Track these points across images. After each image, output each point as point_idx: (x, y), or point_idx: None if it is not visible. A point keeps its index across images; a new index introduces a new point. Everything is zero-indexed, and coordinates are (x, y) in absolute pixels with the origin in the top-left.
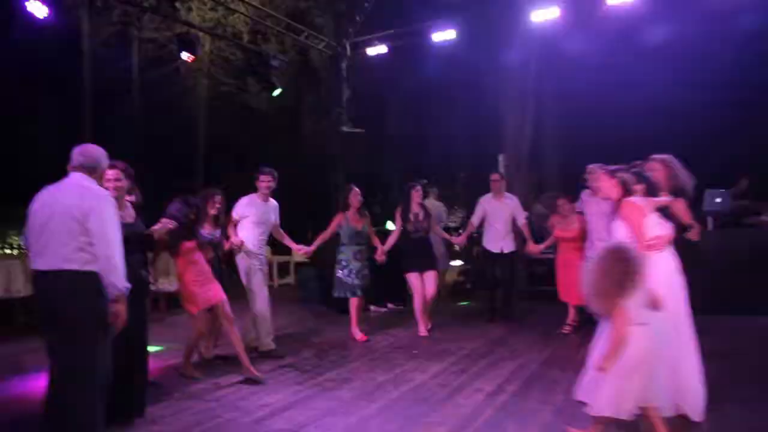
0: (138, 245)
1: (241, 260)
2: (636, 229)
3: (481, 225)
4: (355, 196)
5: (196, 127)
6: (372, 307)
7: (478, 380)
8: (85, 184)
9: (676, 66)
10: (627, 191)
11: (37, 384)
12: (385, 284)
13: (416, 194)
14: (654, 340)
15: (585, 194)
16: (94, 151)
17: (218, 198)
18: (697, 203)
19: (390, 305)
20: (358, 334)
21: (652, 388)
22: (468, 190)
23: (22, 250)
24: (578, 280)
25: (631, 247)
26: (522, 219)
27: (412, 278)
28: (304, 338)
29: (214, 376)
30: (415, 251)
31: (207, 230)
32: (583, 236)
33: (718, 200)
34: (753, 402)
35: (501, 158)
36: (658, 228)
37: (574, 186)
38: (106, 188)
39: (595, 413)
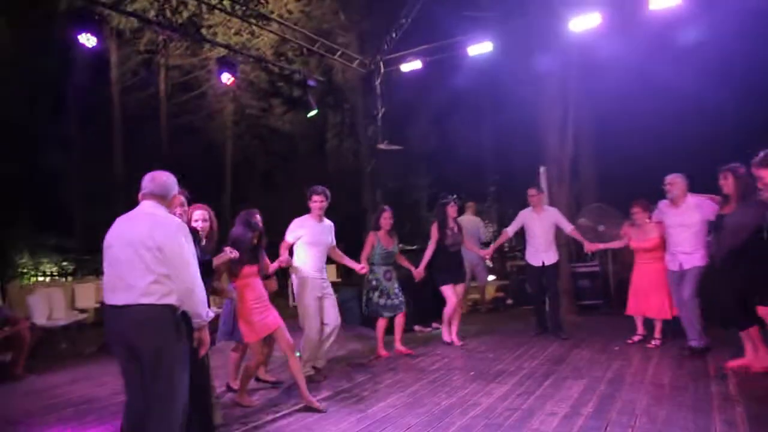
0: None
1: (295, 281)
2: None
3: (521, 239)
4: (386, 218)
5: (222, 149)
6: (416, 327)
7: (548, 402)
8: (158, 213)
9: (712, 67)
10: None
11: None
12: (430, 304)
13: (452, 209)
14: None
15: (663, 204)
16: (164, 178)
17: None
18: None
19: (435, 324)
20: (383, 351)
21: None
22: (499, 204)
23: (55, 277)
24: (657, 293)
25: None
26: (569, 227)
27: (449, 290)
28: (351, 361)
29: (271, 403)
30: (452, 264)
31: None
32: (662, 246)
33: None
34: None
35: (542, 171)
36: None
37: (614, 197)
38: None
39: None
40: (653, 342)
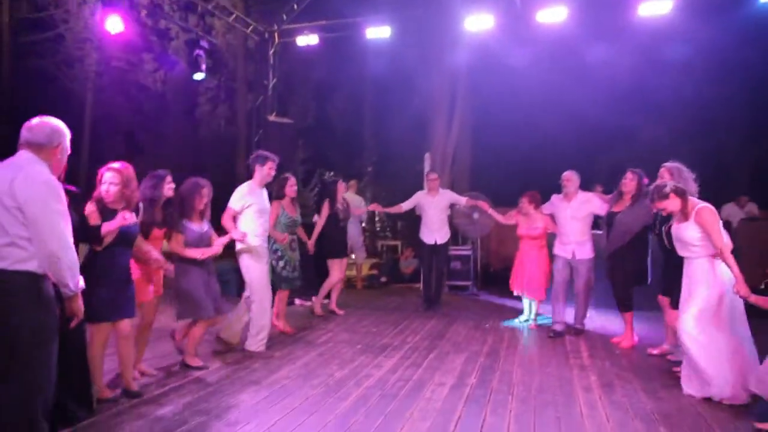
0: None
1: (245, 255)
2: (717, 234)
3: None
4: (291, 185)
5: (81, 102)
6: (297, 301)
7: (436, 374)
8: (26, 166)
9: (599, 84)
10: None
11: None
12: (312, 277)
13: (341, 186)
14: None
15: (556, 198)
16: (45, 125)
17: (206, 190)
18: None
19: (314, 298)
20: (288, 327)
21: None
22: (374, 186)
23: None
24: (537, 276)
25: None
26: (463, 200)
27: (335, 264)
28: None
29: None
30: (340, 239)
31: (196, 225)
32: (545, 236)
33: None
34: None
35: (427, 156)
36: (725, 235)
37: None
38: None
39: None
40: (531, 323)
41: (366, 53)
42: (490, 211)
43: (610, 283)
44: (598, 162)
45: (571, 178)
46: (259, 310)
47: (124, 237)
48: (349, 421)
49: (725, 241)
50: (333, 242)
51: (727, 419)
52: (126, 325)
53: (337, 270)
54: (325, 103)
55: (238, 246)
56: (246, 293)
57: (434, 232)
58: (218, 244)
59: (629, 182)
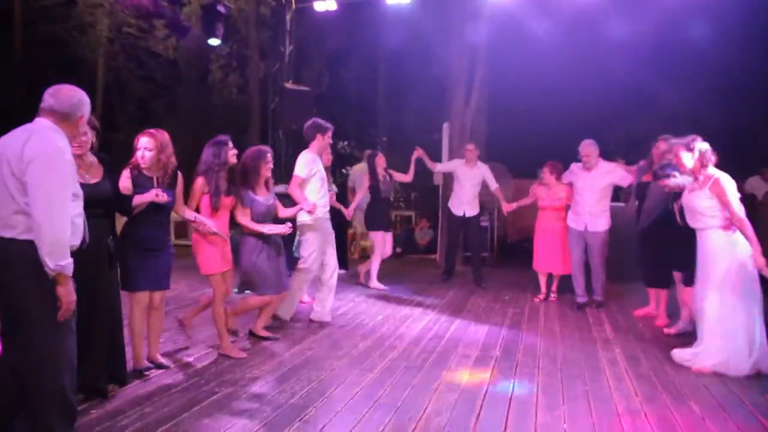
0: (103, 208)
1: (307, 228)
2: (736, 204)
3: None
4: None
5: (93, 69)
6: None
7: (459, 346)
8: (40, 132)
9: (620, 53)
10: (704, 166)
11: None
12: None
13: (380, 160)
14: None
15: (576, 166)
16: (71, 93)
17: (270, 156)
18: None
19: (361, 270)
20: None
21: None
22: (389, 155)
23: None
24: (562, 250)
25: None
26: (494, 185)
27: (379, 236)
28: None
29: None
30: (383, 211)
31: (262, 197)
32: (566, 207)
33: None
34: None
35: (445, 126)
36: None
37: (499, 156)
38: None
39: None
40: (551, 296)
41: (384, 20)
42: (514, 205)
43: (643, 258)
44: (616, 131)
45: (590, 152)
46: (305, 282)
47: (156, 206)
48: (377, 394)
49: (743, 213)
50: (375, 215)
51: (755, 394)
52: (157, 296)
53: (380, 243)
54: (340, 70)
55: (304, 218)
56: (303, 265)
57: (464, 203)
58: (288, 213)
59: (656, 151)
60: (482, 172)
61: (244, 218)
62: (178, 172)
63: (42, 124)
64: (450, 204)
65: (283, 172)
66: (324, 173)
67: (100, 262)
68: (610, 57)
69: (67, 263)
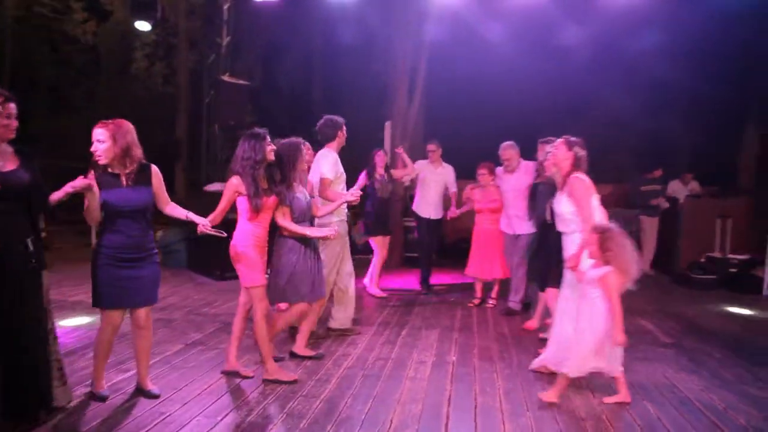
0: (16, 203)
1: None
2: (585, 210)
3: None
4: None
5: None
6: None
7: (414, 351)
8: None
9: (559, 61)
10: (577, 168)
11: None
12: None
13: (379, 158)
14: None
15: (500, 170)
16: None
17: (305, 148)
18: None
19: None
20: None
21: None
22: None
23: None
24: (498, 256)
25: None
26: (454, 188)
27: (378, 241)
28: (201, 311)
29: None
30: (380, 213)
31: (300, 193)
32: (501, 209)
33: None
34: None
35: (387, 125)
36: (599, 213)
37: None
38: None
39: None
40: (490, 302)
41: (325, 16)
42: (457, 212)
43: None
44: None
45: (510, 155)
46: (350, 283)
47: (124, 210)
48: (339, 406)
49: (597, 218)
50: (372, 218)
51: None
52: (141, 314)
53: (380, 248)
54: (275, 65)
55: (329, 219)
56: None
57: (431, 205)
58: (327, 210)
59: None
60: (447, 172)
61: (284, 219)
62: (151, 165)
63: None
64: (416, 207)
65: (218, 168)
66: (344, 175)
67: (12, 267)
68: (551, 61)
69: None
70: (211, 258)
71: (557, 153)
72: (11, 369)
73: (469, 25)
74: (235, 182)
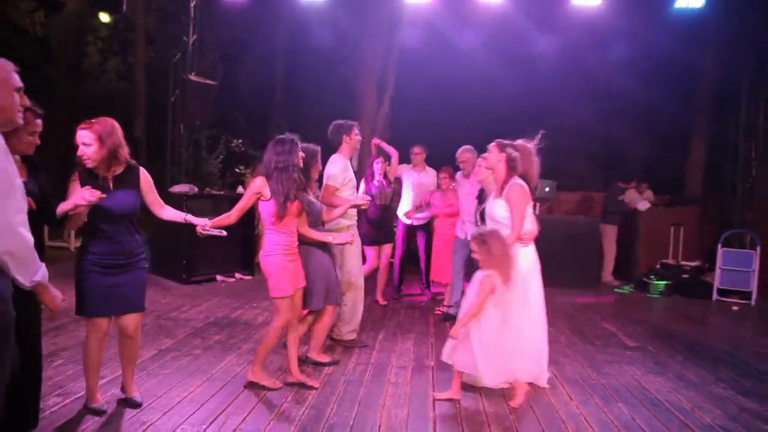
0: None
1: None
2: (519, 218)
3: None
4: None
5: None
6: (219, 277)
7: (392, 357)
8: None
9: (524, 68)
10: (513, 170)
11: None
12: (239, 250)
13: (377, 166)
14: (510, 322)
15: (458, 175)
16: None
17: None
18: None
19: (238, 275)
20: None
21: (515, 363)
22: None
23: None
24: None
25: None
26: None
27: (371, 251)
28: (170, 315)
29: None
30: (376, 222)
31: (314, 198)
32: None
33: (547, 189)
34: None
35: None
36: (530, 221)
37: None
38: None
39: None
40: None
41: (293, 16)
42: (419, 216)
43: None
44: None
45: (466, 158)
46: (357, 296)
47: (103, 213)
48: (325, 412)
49: (528, 228)
50: (368, 225)
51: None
52: (130, 322)
53: (372, 258)
54: (235, 64)
55: (338, 225)
56: (352, 278)
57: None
58: (336, 215)
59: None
60: (429, 177)
61: (303, 225)
62: (139, 166)
63: None
64: (399, 211)
65: (183, 169)
66: (355, 181)
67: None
68: (517, 69)
69: (43, 272)
70: (176, 261)
71: (490, 157)
72: (10, 387)
73: (438, 31)
74: (258, 183)
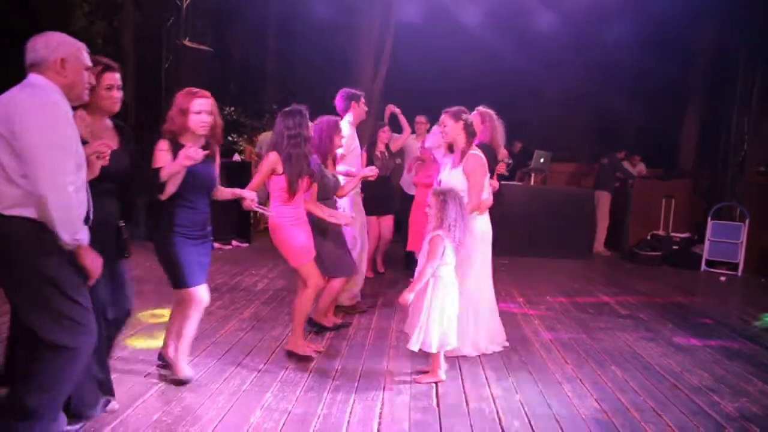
0: (116, 185)
1: (347, 208)
2: (476, 188)
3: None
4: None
5: None
6: (216, 245)
7: (392, 321)
8: (26, 86)
9: (519, 41)
10: (471, 135)
11: None
12: (235, 219)
13: (383, 134)
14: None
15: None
16: (39, 40)
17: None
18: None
19: (234, 242)
20: None
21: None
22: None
23: None
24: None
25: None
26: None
27: (372, 221)
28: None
29: None
30: (378, 192)
31: (331, 174)
32: None
33: (542, 160)
34: None
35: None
36: (487, 192)
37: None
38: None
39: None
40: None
41: None
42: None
43: None
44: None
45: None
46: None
47: (196, 183)
48: (313, 415)
49: (484, 197)
50: (369, 195)
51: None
52: (206, 292)
53: (374, 228)
54: (224, 30)
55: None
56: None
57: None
58: (348, 189)
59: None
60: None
61: (310, 200)
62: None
63: (29, 78)
64: (402, 182)
65: None
66: (359, 149)
67: (106, 249)
68: (513, 42)
69: (85, 234)
70: None
71: (448, 130)
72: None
73: (437, 3)
74: (272, 158)
